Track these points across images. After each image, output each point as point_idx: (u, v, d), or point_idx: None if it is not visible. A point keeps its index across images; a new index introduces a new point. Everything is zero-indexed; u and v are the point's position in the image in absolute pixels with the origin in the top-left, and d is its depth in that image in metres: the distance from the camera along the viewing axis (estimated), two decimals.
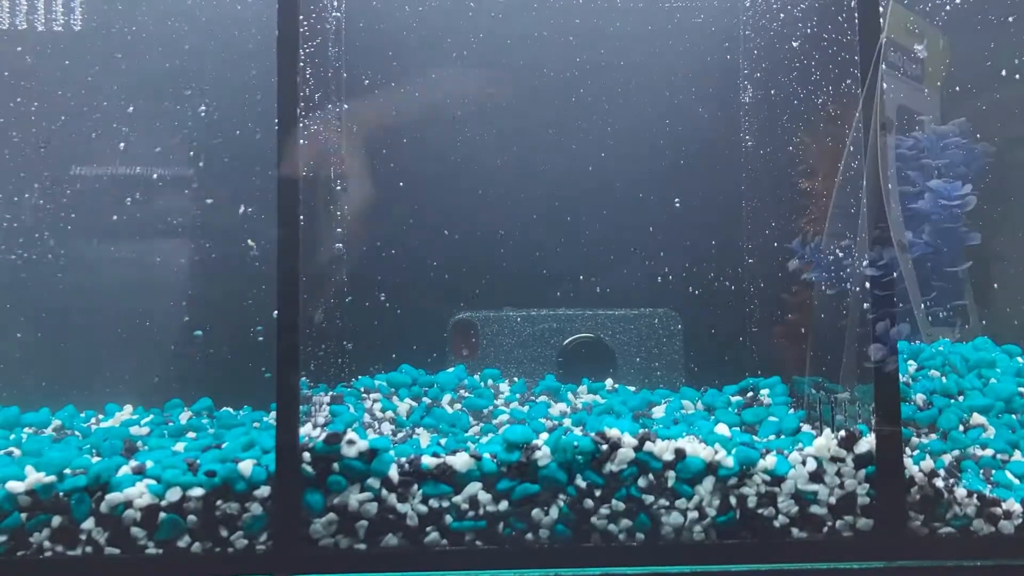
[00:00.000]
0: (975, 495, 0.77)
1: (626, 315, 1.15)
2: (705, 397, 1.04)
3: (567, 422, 1.00)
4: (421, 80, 1.18)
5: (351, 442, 0.77)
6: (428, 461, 0.77)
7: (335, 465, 0.76)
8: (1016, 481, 0.84)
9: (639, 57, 1.18)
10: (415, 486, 0.77)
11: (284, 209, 0.77)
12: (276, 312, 0.76)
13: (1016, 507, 0.77)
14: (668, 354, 1.14)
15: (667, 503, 0.77)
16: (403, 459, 0.77)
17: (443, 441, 0.93)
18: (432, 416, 0.99)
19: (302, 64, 0.80)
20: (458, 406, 1.02)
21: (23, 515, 0.75)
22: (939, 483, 0.77)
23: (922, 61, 1.14)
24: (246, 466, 0.77)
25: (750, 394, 1.03)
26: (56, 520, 0.75)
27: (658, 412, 1.00)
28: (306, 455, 0.76)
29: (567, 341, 1.14)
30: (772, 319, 1.09)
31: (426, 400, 1.02)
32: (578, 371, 1.13)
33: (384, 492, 0.76)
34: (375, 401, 0.99)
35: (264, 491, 0.76)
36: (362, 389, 1.01)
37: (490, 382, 1.09)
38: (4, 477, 0.76)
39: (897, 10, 1.19)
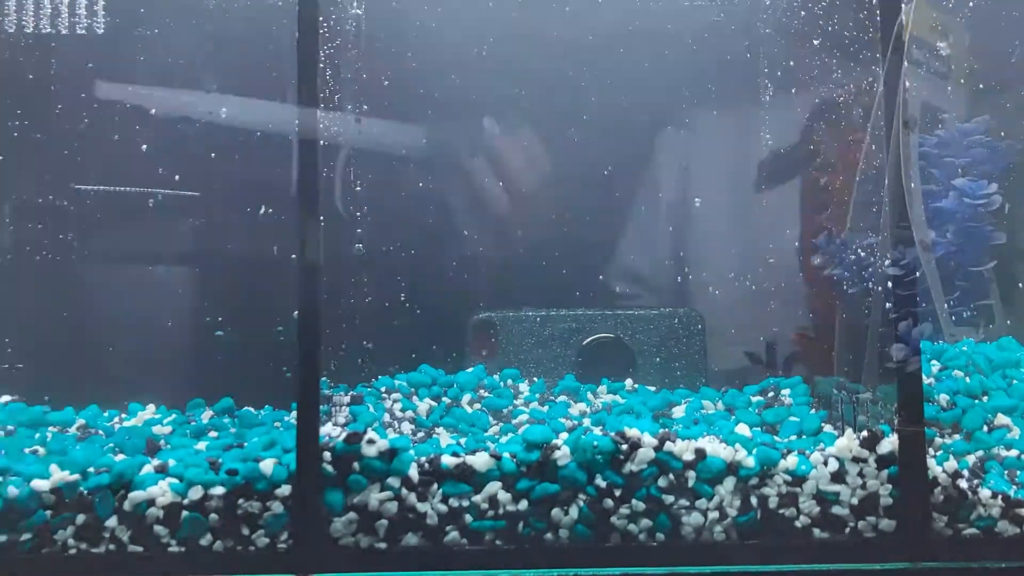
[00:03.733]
0: (1000, 496, 0.77)
1: (646, 315, 1.14)
2: (726, 397, 1.03)
3: (587, 422, 1.00)
4: (441, 81, 1.18)
5: (371, 441, 0.77)
6: (448, 460, 0.77)
7: (355, 464, 0.77)
8: None
9: (658, 56, 1.17)
10: (435, 485, 0.77)
11: (304, 209, 0.78)
12: (297, 312, 0.77)
13: None
14: (689, 354, 1.13)
15: (687, 503, 0.76)
16: (423, 458, 0.78)
17: (463, 441, 0.93)
18: (452, 416, 0.99)
19: (321, 66, 0.81)
20: (477, 406, 1.02)
21: (48, 513, 0.76)
22: (963, 484, 0.76)
23: (946, 58, 1.13)
24: (267, 465, 0.77)
25: (771, 394, 1.02)
26: (80, 518, 0.76)
27: (678, 412, 0.99)
28: (326, 454, 0.77)
29: (586, 341, 1.14)
30: (793, 319, 1.09)
31: (446, 400, 1.02)
32: (597, 371, 1.13)
33: (404, 491, 0.76)
34: (395, 401, 0.99)
35: (285, 490, 0.77)
36: (382, 389, 1.01)
37: (509, 382, 1.09)
38: (29, 475, 0.77)
39: (922, 6, 1.18)
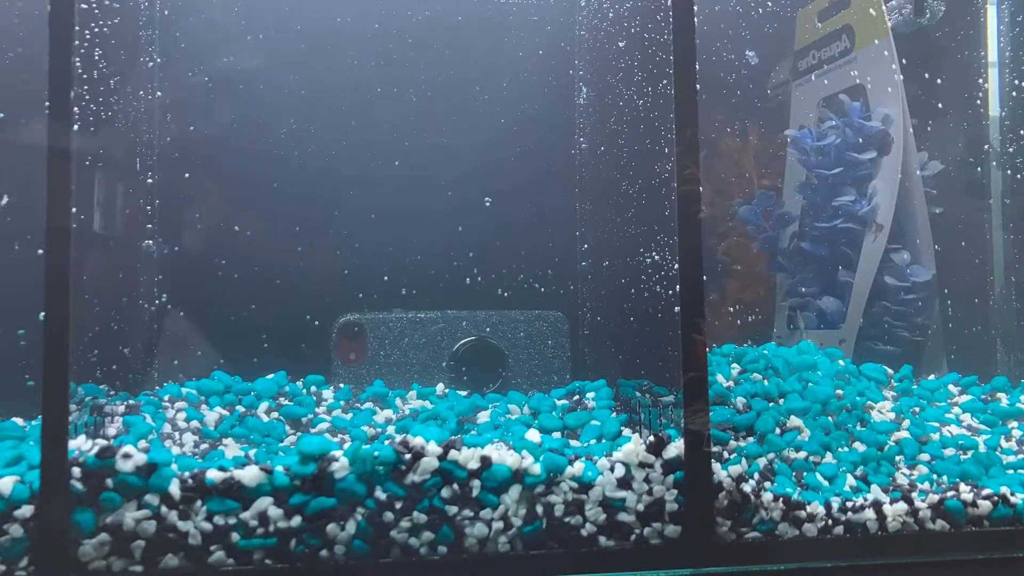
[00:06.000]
0: (781, 499, 0.77)
1: (516, 317, 1.13)
2: (531, 401, 1.01)
3: (391, 429, 0.96)
4: (256, 73, 1.12)
5: (127, 456, 0.70)
6: (213, 475, 0.71)
7: (108, 481, 0.70)
8: (825, 483, 0.84)
9: (477, 55, 1.15)
10: (199, 502, 0.71)
11: (54, 198, 0.70)
12: (43, 313, 0.69)
13: (819, 509, 0.77)
14: (556, 356, 1.14)
15: (472, 513, 0.73)
16: (186, 473, 0.71)
17: (252, 452, 0.88)
18: (244, 426, 0.93)
19: (88, 44, 0.74)
20: (275, 414, 0.97)
21: None
22: (746, 488, 0.76)
23: (849, 33, 1.15)
24: (6, 483, 0.69)
25: (576, 397, 1.01)
26: None
27: (483, 417, 0.97)
28: (76, 470, 0.69)
29: (457, 346, 1.11)
30: (604, 322, 1.08)
31: (240, 409, 0.96)
32: (471, 375, 1.11)
33: (164, 509, 0.70)
34: (179, 411, 0.92)
35: (27, 511, 0.69)
36: (165, 398, 0.94)
37: (313, 389, 1.04)
38: None
39: (803, 17, 1.21)
